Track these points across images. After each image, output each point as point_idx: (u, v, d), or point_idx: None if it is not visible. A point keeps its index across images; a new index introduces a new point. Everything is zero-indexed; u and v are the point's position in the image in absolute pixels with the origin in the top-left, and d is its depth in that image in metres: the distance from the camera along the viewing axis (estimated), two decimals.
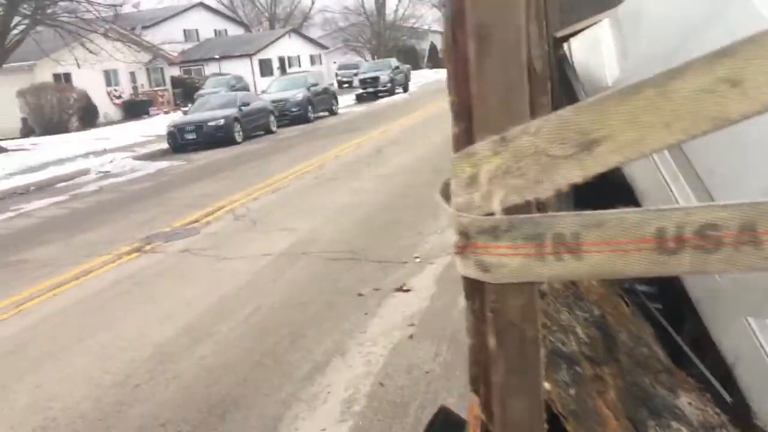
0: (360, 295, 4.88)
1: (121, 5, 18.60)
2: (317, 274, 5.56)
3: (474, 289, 1.03)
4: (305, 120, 22.51)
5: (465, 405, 1.32)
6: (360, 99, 32.22)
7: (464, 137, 0.99)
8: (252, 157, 14.76)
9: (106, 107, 31.73)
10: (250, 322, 4.61)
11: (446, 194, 1.01)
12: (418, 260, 5.60)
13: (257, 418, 3.36)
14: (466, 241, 0.94)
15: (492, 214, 0.91)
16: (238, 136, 18.19)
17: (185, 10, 53.39)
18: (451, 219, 0.95)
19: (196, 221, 8.28)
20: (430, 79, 51.11)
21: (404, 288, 4.90)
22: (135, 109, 32.61)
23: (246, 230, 7.49)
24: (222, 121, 17.83)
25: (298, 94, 22.70)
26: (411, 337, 4.04)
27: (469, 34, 0.90)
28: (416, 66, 58.25)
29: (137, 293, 5.65)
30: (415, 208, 7.68)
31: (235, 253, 6.54)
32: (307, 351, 4.02)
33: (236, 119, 18.28)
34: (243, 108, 18.93)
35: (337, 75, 48.56)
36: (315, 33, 71.80)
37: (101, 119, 30.31)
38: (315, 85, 24.18)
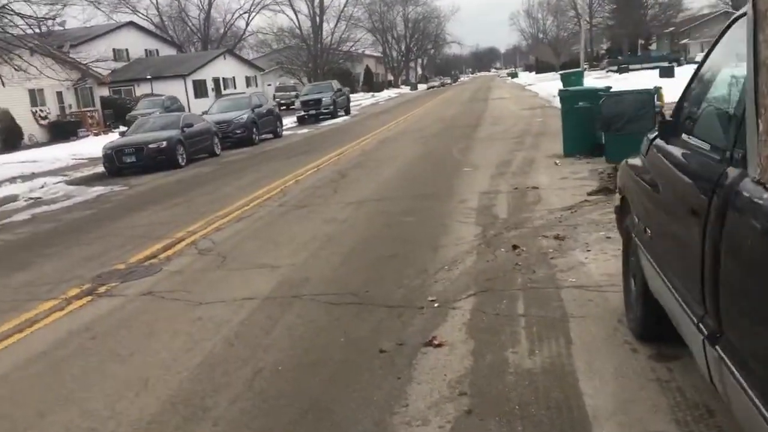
0: (382, 351, 4.06)
1: (53, 18, 17.21)
2: (319, 323, 4.70)
3: None
4: (250, 142, 21.59)
5: None
6: (302, 121, 31.51)
7: None
8: (201, 181, 13.70)
9: (31, 128, 29.79)
10: (255, 391, 3.71)
11: None
12: (436, 305, 4.81)
13: None
14: None
15: None
16: (181, 159, 17.08)
17: (115, 29, 51.51)
18: None
19: (153, 256, 7.26)
20: (369, 102, 50.85)
21: (435, 342, 4.10)
22: (63, 130, 30.69)
23: (217, 267, 6.54)
24: (164, 144, 16.67)
25: (243, 116, 21.74)
26: (470, 412, 3.24)
27: None
28: (352, 89, 57.91)
29: (98, 351, 4.64)
30: (405, 239, 6.91)
31: (211, 296, 5.59)
32: None
33: (179, 141, 17.18)
34: (186, 129, 17.83)
35: (275, 97, 47.48)
36: (249, 54, 70.74)
37: (26, 141, 28.39)
38: (259, 106, 23.28)
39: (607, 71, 51.85)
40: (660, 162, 2.98)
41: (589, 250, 5.78)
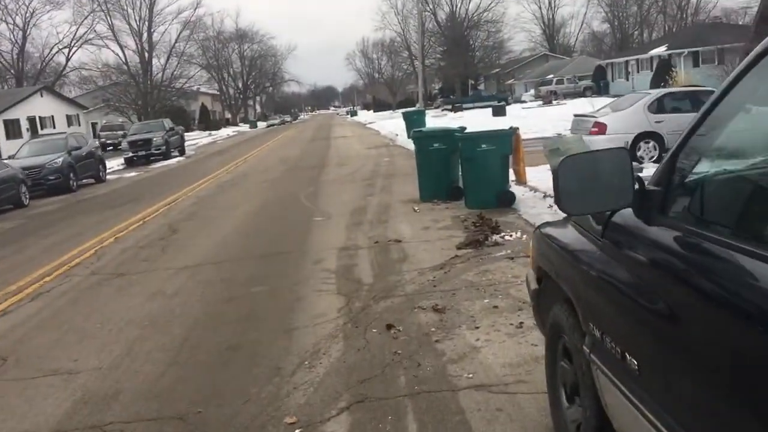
0: None
1: None
2: None
3: None
4: (66, 189, 19.12)
5: None
6: (130, 163, 29.03)
7: None
8: None
9: None
10: None
11: None
12: (298, 430, 3.51)
13: None
14: None
15: None
16: None
17: None
18: None
19: None
20: (206, 141, 48.42)
21: None
22: None
23: None
24: None
25: (57, 160, 19.22)
26: None
27: None
28: (187, 128, 55.11)
29: None
30: (252, 320, 5.55)
31: None
32: None
33: None
34: None
35: (100, 137, 43.80)
36: (72, 92, 65.41)
37: None
38: (77, 148, 20.77)
39: (443, 110, 53.33)
40: (662, 259, 1.92)
41: (477, 327, 4.76)
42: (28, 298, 6.94)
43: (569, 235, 2.74)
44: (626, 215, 2.18)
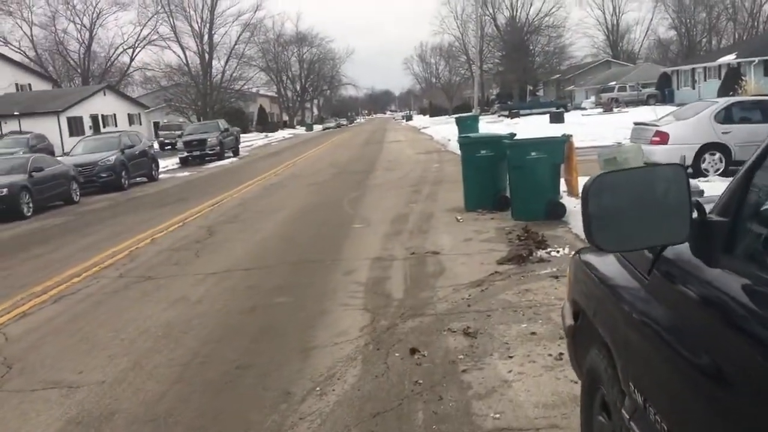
0: None
1: None
2: None
3: None
4: (118, 187, 19.31)
5: None
6: (185, 163, 29.27)
7: None
8: (40, 239, 11.38)
9: None
10: None
11: None
12: None
13: None
14: None
15: None
16: (27, 209, 14.60)
17: None
18: None
19: None
20: (261, 142, 48.80)
21: None
22: None
23: None
24: (5, 191, 14.20)
25: (110, 157, 19.42)
26: None
27: None
28: (245, 129, 55.75)
29: None
30: (270, 335, 5.18)
31: None
32: None
33: (25, 188, 14.71)
34: (35, 174, 15.35)
35: (158, 136, 44.66)
36: (136, 91, 67.12)
37: None
38: (131, 146, 20.95)
39: (499, 115, 52.46)
40: (726, 312, 1.44)
41: (511, 357, 4.27)
42: (50, 300, 6.76)
43: (610, 267, 2.25)
44: (681, 250, 1.69)
